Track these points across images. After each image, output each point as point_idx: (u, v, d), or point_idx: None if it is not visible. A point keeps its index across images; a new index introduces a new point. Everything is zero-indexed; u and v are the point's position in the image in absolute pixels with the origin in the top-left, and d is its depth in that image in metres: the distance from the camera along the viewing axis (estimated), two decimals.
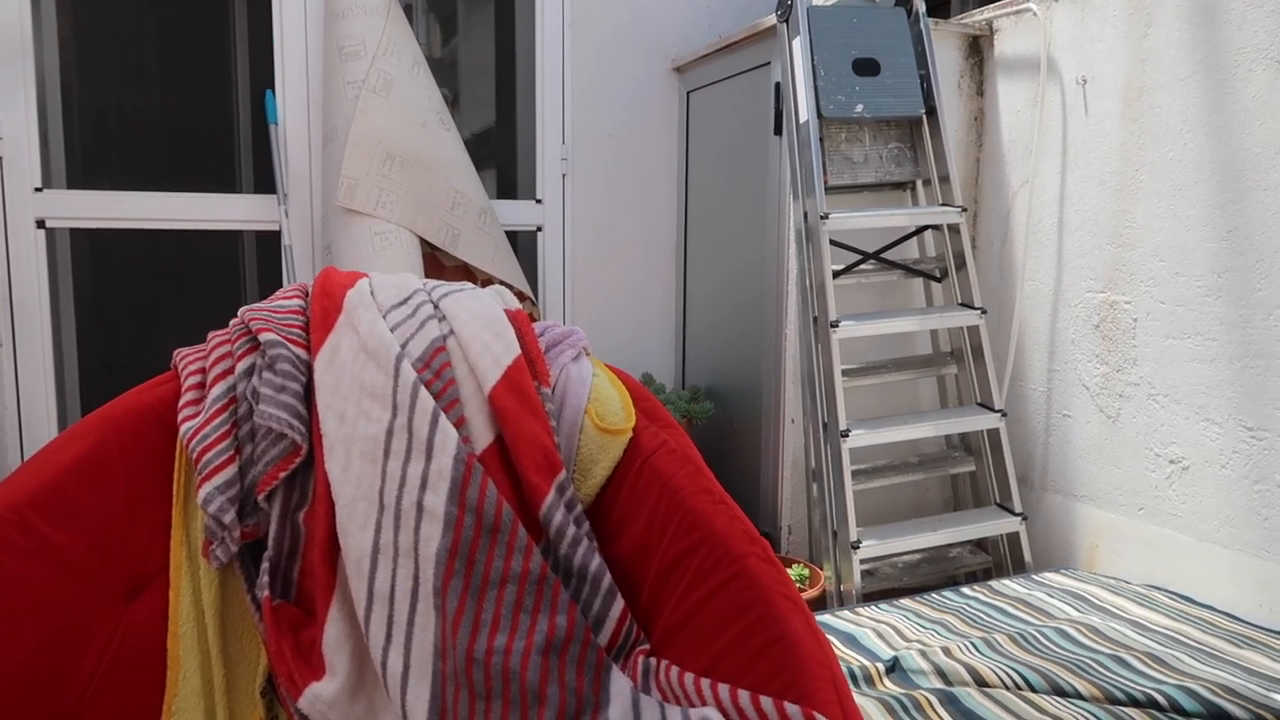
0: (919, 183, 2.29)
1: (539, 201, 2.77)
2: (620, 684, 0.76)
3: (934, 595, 1.79)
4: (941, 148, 2.18)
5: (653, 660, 0.78)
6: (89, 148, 2.89)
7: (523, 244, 2.83)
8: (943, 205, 2.18)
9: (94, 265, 2.93)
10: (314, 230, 2.54)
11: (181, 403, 0.91)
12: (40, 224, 2.38)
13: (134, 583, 0.86)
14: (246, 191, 2.84)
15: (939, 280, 2.28)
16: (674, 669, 0.75)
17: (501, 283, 2.48)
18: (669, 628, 0.81)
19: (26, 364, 2.37)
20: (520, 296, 2.52)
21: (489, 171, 3.07)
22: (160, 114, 3.05)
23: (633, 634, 0.81)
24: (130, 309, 3.07)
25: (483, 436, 0.87)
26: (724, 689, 0.69)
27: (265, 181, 2.56)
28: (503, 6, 3.10)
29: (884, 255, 2.25)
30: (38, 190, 2.37)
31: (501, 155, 3.09)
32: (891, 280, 2.34)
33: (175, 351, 0.98)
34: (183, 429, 0.89)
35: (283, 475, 0.88)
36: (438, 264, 2.51)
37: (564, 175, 2.77)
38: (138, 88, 3.05)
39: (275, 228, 2.51)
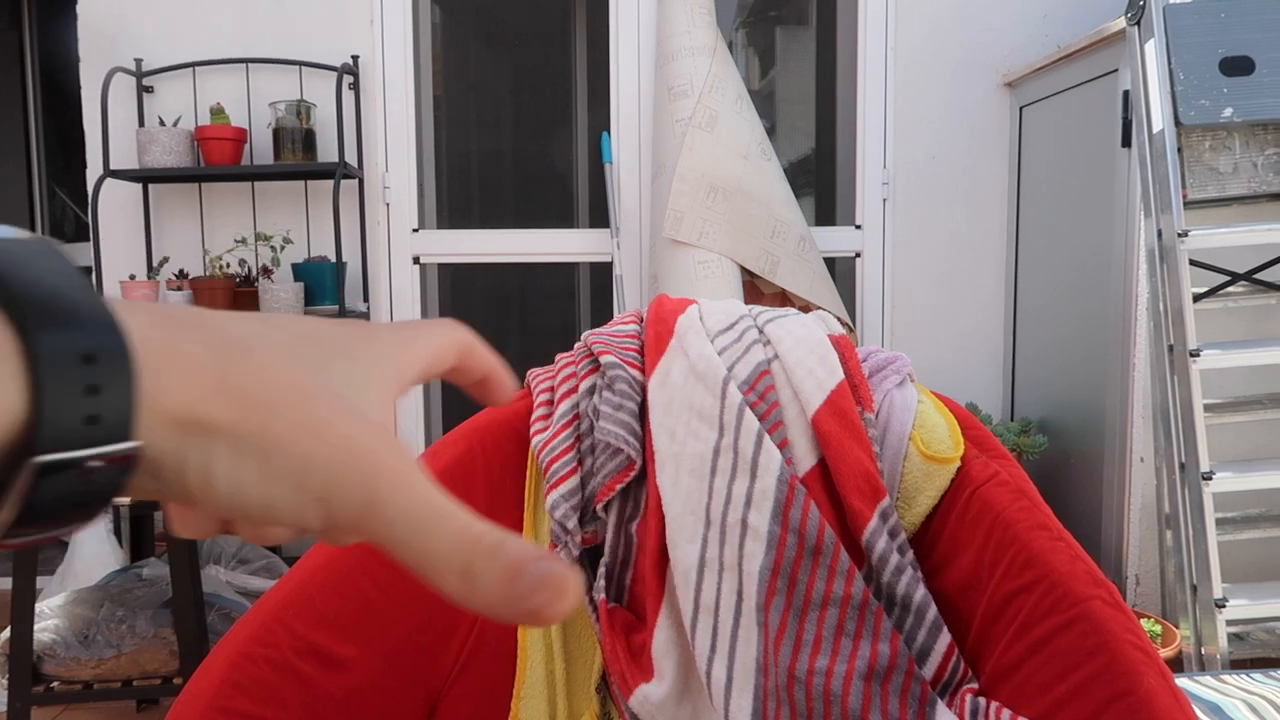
0: None
1: (858, 227, 2.75)
2: None
3: None
4: None
5: (981, 700, 0.74)
6: (454, 191, 3.29)
7: (841, 270, 2.82)
8: None
9: (453, 294, 3.32)
10: (642, 260, 2.70)
11: (533, 417, 1.01)
12: (416, 260, 2.73)
13: None
14: (583, 227, 3.08)
15: None
16: (1005, 711, 0.71)
17: (818, 309, 2.48)
18: (999, 669, 0.77)
19: None
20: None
21: (807, 198, 3.09)
22: (511, 159, 3.41)
23: (959, 671, 0.78)
24: (480, 332, 3.44)
25: (805, 459, 0.88)
26: None
27: (599, 217, 2.77)
28: (823, 34, 3.13)
29: (1258, 276, 1.98)
30: (414, 231, 2.73)
31: (820, 182, 3.10)
32: (1269, 304, 2.05)
33: (528, 371, 1.09)
34: (534, 441, 0.99)
35: (618, 488, 0.95)
36: (757, 291, 2.57)
37: (884, 200, 2.73)
38: (493, 137, 3.43)
39: (608, 259, 2.70)
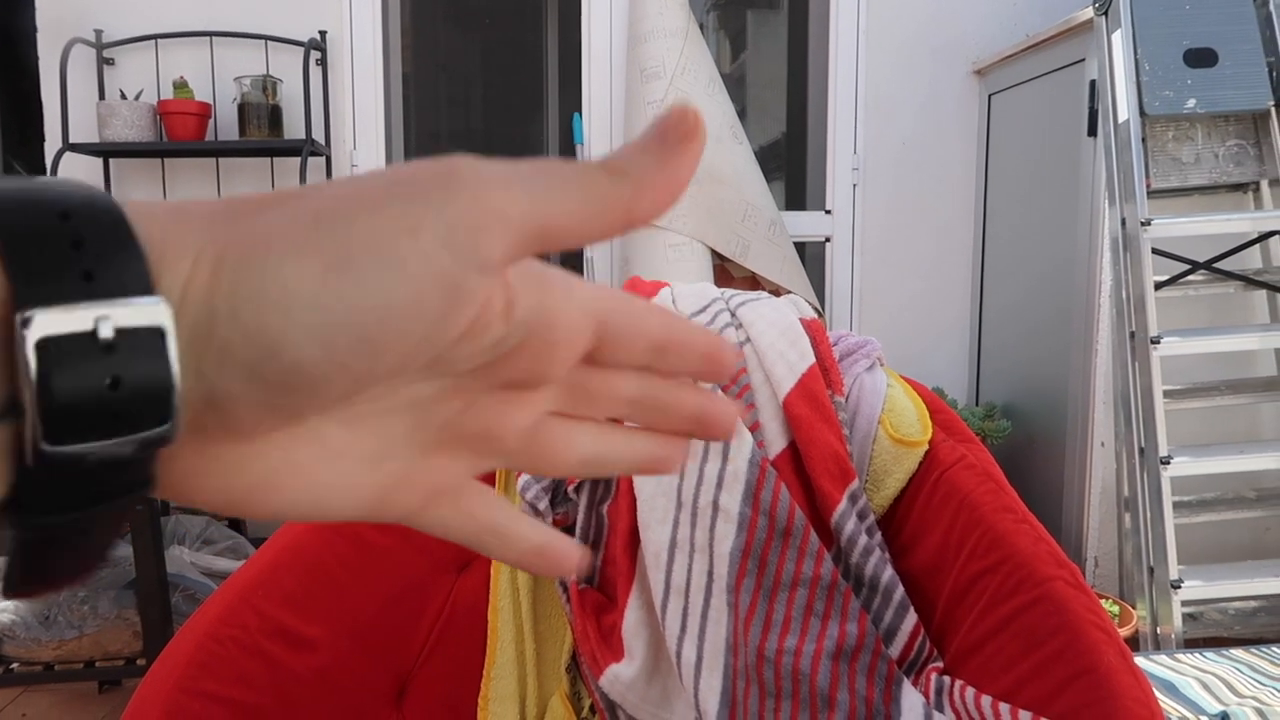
0: (1264, 183, 2.03)
1: (828, 212, 2.76)
2: (912, 699, 0.74)
3: (1276, 649, 1.58)
4: None
5: (946, 679, 0.76)
6: None
7: (811, 255, 2.83)
8: None
9: None
10: (612, 243, 2.69)
11: None
12: None
13: (463, 558, 0.97)
14: None
15: None
16: (969, 690, 0.72)
17: (789, 293, 2.49)
18: (964, 649, 0.78)
19: None
20: None
21: (778, 183, 3.10)
22: (481, 139, 3.37)
23: (925, 650, 0.80)
24: None
25: (776, 442, 0.89)
26: (1026, 716, 0.66)
27: None
28: (795, 18, 3.13)
29: (1218, 265, 2.02)
30: None
31: (791, 166, 3.11)
32: (1227, 293, 2.09)
33: None
34: None
35: None
36: (727, 275, 2.57)
37: (854, 185, 2.74)
38: (463, 116, 3.39)
39: None
